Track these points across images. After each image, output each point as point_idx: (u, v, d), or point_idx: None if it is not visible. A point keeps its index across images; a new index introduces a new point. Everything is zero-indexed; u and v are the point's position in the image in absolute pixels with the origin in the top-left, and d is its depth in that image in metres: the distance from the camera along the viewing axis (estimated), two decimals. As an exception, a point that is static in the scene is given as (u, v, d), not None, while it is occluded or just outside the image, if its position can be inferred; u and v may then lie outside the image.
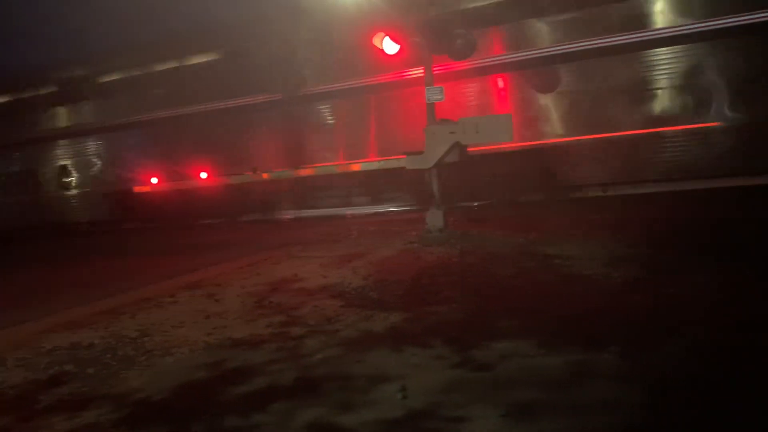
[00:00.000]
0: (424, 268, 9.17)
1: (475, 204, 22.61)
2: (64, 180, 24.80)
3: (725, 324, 5.34)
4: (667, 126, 15.13)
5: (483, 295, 7.39)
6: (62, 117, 24.76)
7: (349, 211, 18.58)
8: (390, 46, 11.35)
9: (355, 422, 4.09)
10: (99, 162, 23.91)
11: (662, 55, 15.03)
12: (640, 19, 15.05)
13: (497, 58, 16.13)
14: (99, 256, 15.49)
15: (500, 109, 16.13)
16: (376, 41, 11.33)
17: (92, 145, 24.07)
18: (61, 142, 24.79)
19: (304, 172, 17.11)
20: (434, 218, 11.89)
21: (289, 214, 19.63)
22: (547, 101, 16.13)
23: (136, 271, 11.78)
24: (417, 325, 6.27)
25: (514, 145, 14.92)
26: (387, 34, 11.29)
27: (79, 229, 24.27)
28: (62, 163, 24.82)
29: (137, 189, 21.20)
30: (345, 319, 6.72)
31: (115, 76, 22.37)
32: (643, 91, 15.20)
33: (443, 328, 6.03)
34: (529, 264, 8.83)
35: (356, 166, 15.65)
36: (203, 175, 19.11)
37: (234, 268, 10.65)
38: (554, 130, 16.22)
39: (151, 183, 20.95)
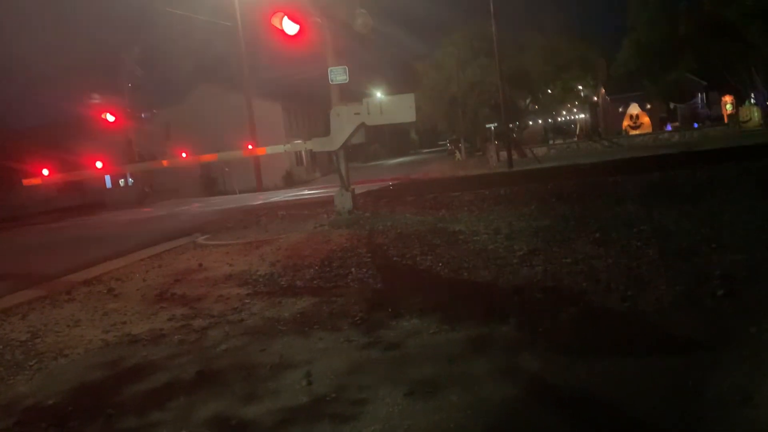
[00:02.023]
0: (333, 251, 9.11)
1: (390, 183, 22.80)
2: None
3: (616, 288, 5.60)
4: None
5: (392, 274, 7.44)
6: None
7: None
8: (290, 26, 11.08)
9: (258, 413, 3.99)
10: None
11: None
12: None
13: None
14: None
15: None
16: (275, 21, 11.02)
17: None
18: None
19: (208, 157, 16.57)
20: (343, 200, 11.84)
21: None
22: None
23: (23, 268, 11.09)
24: (326, 308, 6.22)
25: None
26: (286, 14, 11.00)
27: None
28: None
29: None
30: (251, 307, 6.57)
31: None
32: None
33: (352, 310, 6.01)
34: (436, 241, 8.95)
35: (262, 151, 15.31)
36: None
37: (135, 261, 10.21)
38: None
39: None
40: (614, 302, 5.29)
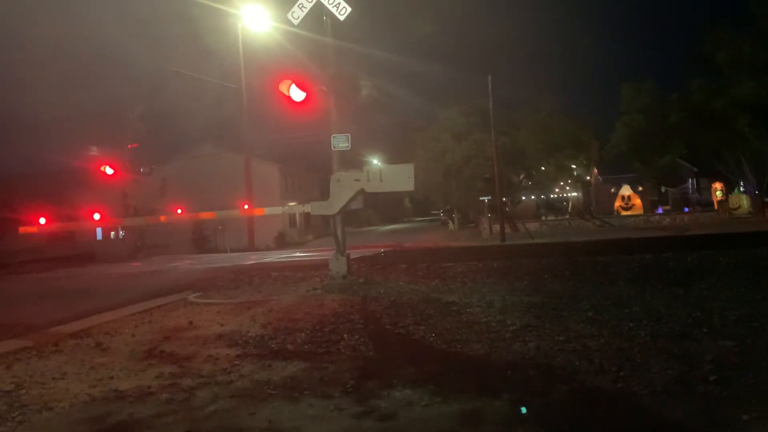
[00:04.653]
0: (326, 315, 9.09)
1: (382, 250, 22.86)
2: None
3: (608, 369, 5.61)
4: None
5: (384, 342, 7.41)
6: None
7: None
8: (297, 94, 11.42)
9: (245, 478, 3.93)
10: None
11: None
12: None
13: None
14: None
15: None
16: (282, 88, 11.37)
17: None
18: None
19: (206, 215, 16.66)
20: (338, 264, 11.87)
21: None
22: None
23: (10, 317, 10.94)
24: (317, 374, 6.16)
25: None
26: (294, 82, 11.35)
27: None
28: None
29: None
30: (241, 369, 6.51)
31: None
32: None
33: (343, 378, 5.96)
34: (429, 311, 8.95)
35: (260, 211, 15.43)
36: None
37: (124, 316, 10.11)
38: None
39: None
40: (607, 383, 5.29)
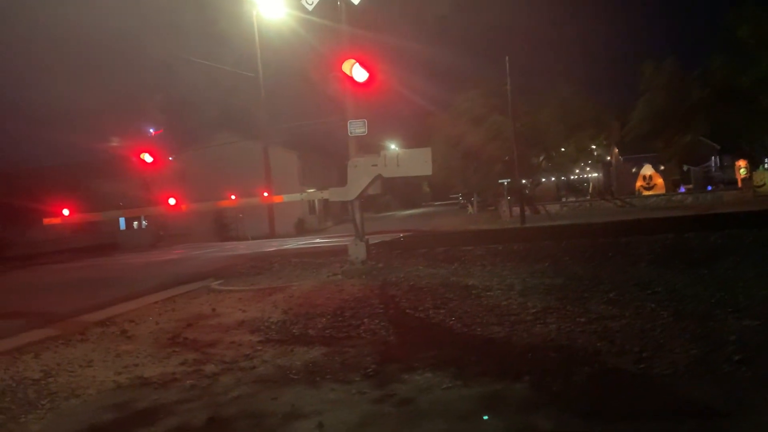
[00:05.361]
0: (346, 300, 9.13)
1: (401, 235, 22.86)
2: None
3: (630, 350, 5.57)
4: None
5: (404, 326, 7.43)
6: None
7: None
8: (360, 73, 11.26)
9: (269, 462, 3.98)
10: None
11: None
12: None
13: None
14: None
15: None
16: (345, 68, 11.24)
17: None
18: None
19: (226, 203, 16.77)
20: (357, 250, 11.90)
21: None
22: None
23: (38, 306, 11.16)
24: (338, 359, 6.20)
25: None
26: (358, 61, 11.18)
27: None
28: None
29: None
30: (263, 354, 6.58)
31: None
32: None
33: (364, 362, 5.99)
34: (449, 295, 8.95)
35: (279, 198, 15.49)
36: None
37: (148, 303, 10.26)
38: None
39: None
40: (629, 364, 5.26)
